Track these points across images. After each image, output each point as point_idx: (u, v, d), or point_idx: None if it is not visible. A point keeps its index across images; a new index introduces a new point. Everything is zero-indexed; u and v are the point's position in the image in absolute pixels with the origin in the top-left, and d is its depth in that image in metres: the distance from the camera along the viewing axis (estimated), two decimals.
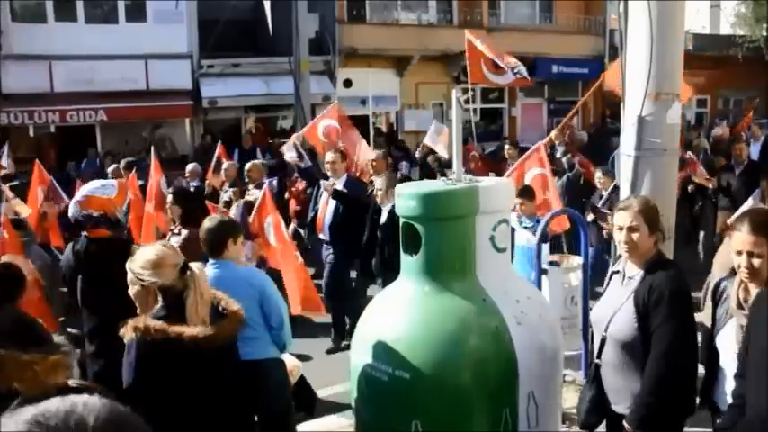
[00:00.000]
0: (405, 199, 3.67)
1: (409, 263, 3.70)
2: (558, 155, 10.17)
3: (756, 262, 2.99)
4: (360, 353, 3.72)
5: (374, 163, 8.44)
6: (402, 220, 3.75)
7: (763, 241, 2.95)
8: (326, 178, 7.58)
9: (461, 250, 3.57)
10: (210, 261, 4.23)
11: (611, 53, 21.09)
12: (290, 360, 4.55)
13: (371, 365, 3.56)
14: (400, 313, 3.59)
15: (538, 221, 6.37)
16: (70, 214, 4.76)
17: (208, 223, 4.27)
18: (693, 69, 20.96)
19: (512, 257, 5.23)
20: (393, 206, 5.66)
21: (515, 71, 9.65)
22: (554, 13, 21.97)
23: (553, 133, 9.03)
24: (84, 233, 4.65)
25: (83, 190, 4.71)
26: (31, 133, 16.40)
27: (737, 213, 3.09)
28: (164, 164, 15.22)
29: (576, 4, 21.94)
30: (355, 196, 7.32)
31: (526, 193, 6.89)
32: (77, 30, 16.27)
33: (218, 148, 11.04)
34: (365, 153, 9.16)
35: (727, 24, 26.93)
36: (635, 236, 3.42)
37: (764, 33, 24.23)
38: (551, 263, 5.68)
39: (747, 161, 9.64)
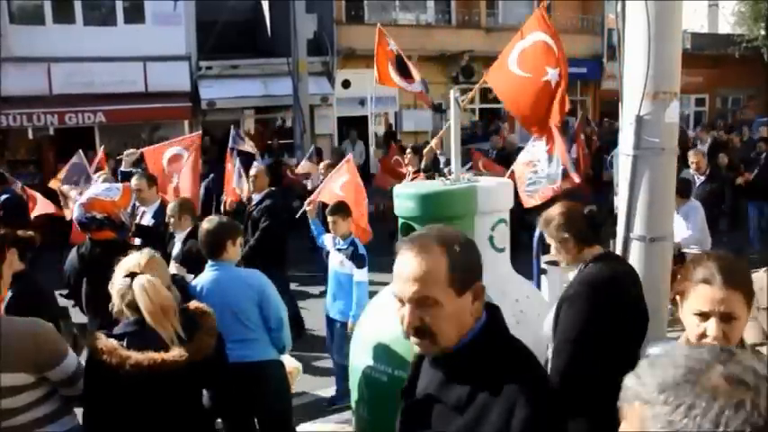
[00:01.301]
0: (403, 199, 3.68)
1: None
2: (443, 161, 9.62)
3: (729, 328, 2.16)
4: (359, 354, 3.72)
5: (255, 177, 7.82)
6: (401, 221, 3.76)
7: (740, 297, 2.14)
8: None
9: None
10: (209, 263, 4.23)
11: (608, 53, 21.12)
12: (289, 361, 4.54)
13: (371, 366, 3.57)
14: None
15: (353, 243, 5.85)
16: (75, 217, 4.79)
17: (207, 225, 4.26)
18: (692, 68, 21.03)
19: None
20: (189, 232, 5.62)
21: (423, 83, 9.52)
22: (552, 12, 21.95)
23: (433, 141, 8.35)
24: (89, 235, 4.66)
25: (87, 193, 4.73)
26: (30, 135, 16.38)
27: (692, 259, 2.35)
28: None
29: (573, 4, 21.95)
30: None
31: (339, 210, 5.93)
32: (76, 32, 16.26)
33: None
34: (184, 179, 8.33)
35: (726, 23, 26.97)
36: (555, 247, 3.29)
37: (763, 32, 24.25)
38: (550, 262, 5.68)
39: (709, 170, 9.17)
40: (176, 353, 2.69)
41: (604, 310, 2.96)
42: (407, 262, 1.81)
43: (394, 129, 20.31)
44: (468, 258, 1.88)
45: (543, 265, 5.41)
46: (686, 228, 7.10)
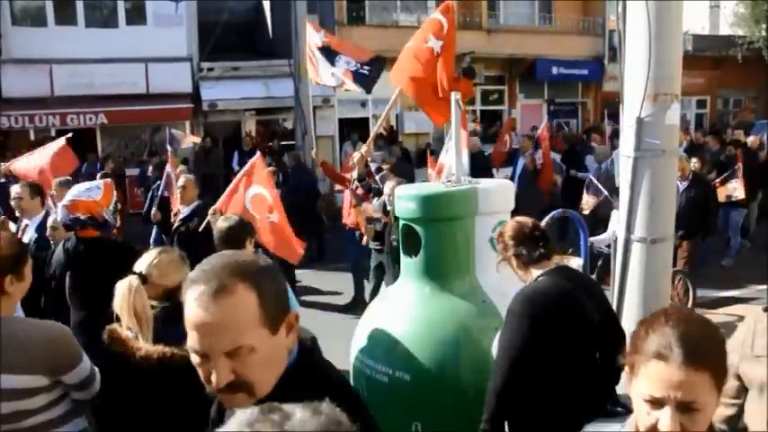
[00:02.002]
0: (404, 201, 3.68)
1: (409, 264, 3.72)
2: (373, 168, 8.89)
3: (690, 420, 1.55)
4: (360, 354, 3.73)
5: (182, 189, 7.06)
6: (401, 222, 3.77)
7: (706, 378, 1.55)
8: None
9: (461, 251, 3.59)
10: None
11: (610, 54, 21.12)
12: None
13: (372, 367, 3.57)
14: (400, 314, 3.60)
15: None
16: (59, 219, 4.85)
17: (226, 222, 4.31)
18: (693, 70, 21.03)
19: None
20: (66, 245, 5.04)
21: (364, 68, 8.91)
22: (553, 14, 21.99)
23: (363, 148, 7.86)
24: (74, 233, 4.74)
25: (69, 194, 4.78)
26: (32, 137, 16.39)
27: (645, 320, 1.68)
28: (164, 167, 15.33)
29: (574, 5, 21.96)
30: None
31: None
32: (77, 33, 16.28)
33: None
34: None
35: (727, 25, 26.95)
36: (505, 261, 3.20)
37: (764, 34, 24.24)
38: None
39: (692, 175, 8.29)
40: (180, 349, 2.73)
41: (542, 327, 2.86)
42: (207, 308, 1.45)
43: (395, 130, 20.31)
44: (276, 287, 1.57)
45: None
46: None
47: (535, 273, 3.03)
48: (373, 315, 3.87)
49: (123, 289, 2.80)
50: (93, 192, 4.71)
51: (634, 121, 4.80)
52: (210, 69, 17.71)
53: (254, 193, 6.05)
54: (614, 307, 5.36)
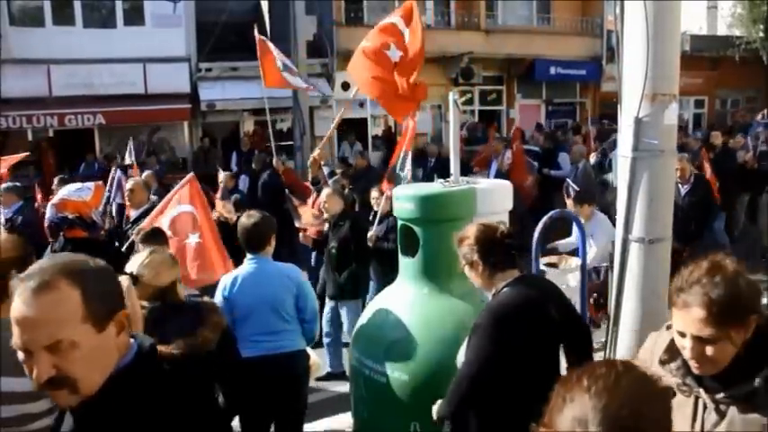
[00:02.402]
0: (402, 201, 3.68)
1: (407, 265, 3.72)
2: (326, 172, 8.38)
3: (710, 350, 1.87)
4: (358, 354, 3.73)
5: (131, 192, 6.34)
6: (400, 223, 3.77)
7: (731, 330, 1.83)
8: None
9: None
10: (249, 256, 4.31)
11: (608, 54, 21.12)
12: (312, 354, 4.60)
13: (370, 367, 3.57)
14: (399, 315, 3.60)
15: None
16: (47, 217, 4.88)
17: (250, 220, 4.34)
18: (691, 70, 21.04)
19: None
20: None
21: (304, 79, 9.66)
22: (551, 14, 22.00)
23: (316, 151, 7.65)
24: (62, 233, 4.74)
25: (59, 193, 4.80)
26: (30, 137, 16.38)
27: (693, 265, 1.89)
28: (165, 166, 15.32)
29: (573, 6, 21.97)
30: None
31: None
32: (76, 34, 16.26)
33: None
34: None
35: (724, 25, 26.98)
36: (465, 268, 3.13)
37: (761, 34, 24.26)
38: (549, 264, 5.70)
39: (693, 177, 8.03)
40: (173, 347, 2.74)
41: (509, 338, 2.83)
42: (28, 303, 1.49)
43: (393, 130, 20.31)
44: (105, 286, 1.61)
45: (542, 267, 5.42)
46: (592, 244, 6.61)
47: (500, 283, 2.97)
48: (371, 315, 3.87)
49: None
50: (84, 192, 4.73)
51: (632, 121, 4.80)
52: (209, 70, 17.70)
53: (181, 211, 5.80)
54: (612, 308, 5.37)
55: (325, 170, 7.16)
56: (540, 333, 2.90)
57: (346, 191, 8.00)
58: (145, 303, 2.88)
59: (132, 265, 2.95)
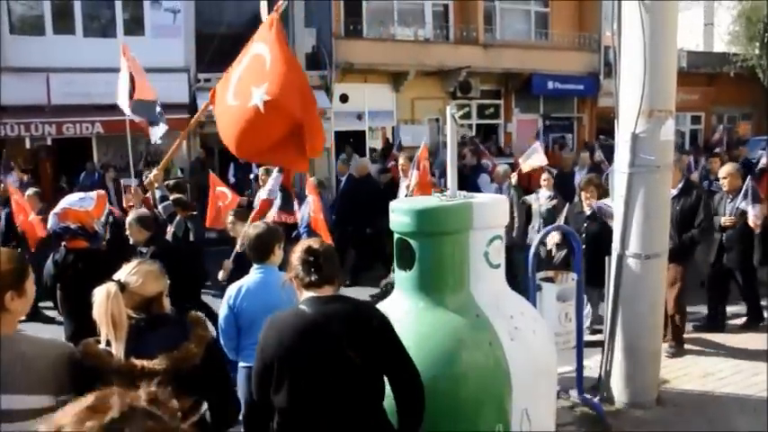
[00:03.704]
0: (398, 214, 3.67)
1: (403, 278, 3.70)
2: (158, 195, 7.20)
3: None
4: None
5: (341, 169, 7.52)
6: (396, 236, 3.76)
7: None
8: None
9: (456, 266, 3.57)
10: (255, 266, 4.30)
11: (605, 69, 21.22)
12: None
13: None
14: (396, 329, 3.58)
15: None
16: (49, 226, 4.86)
17: (255, 230, 4.35)
18: (688, 86, 21.11)
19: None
20: None
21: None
22: (549, 29, 22.13)
23: (153, 172, 6.99)
24: (64, 244, 4.72)
25: (62, 203, 4.78)
26: (28, 145, 16.35)
27: None
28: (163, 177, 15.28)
29: (570, 21, 22.10)
30: None
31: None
32: (75, 43, 16.29)
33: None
34: None
35: (721, 42, 27.13)
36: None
37: (757, 52, 24.40)
38: (545, 279, 5.67)
39: (683, 182, 7.08)
40: (156, 361, 2.71)
41: (262, 350, 2.99)
42: None
43: (391, 143, 20.34)
44: None
45: (538, 282, 5.40)
46: None
47: (305, 296, 3.05)
48: None
49: (101, 295, 2.77)
50: (86, 202, 4.72)
51: (629, 136, 4.81)
52: (207, 80, 17.69)
53: None
54: (608, 323, 5.36)
55: (158, 193, 6.59)
56: (283, 354, 2.91)
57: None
58: (131, 313, 2.86)
59: (120, 273, 2.93)
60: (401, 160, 11.07)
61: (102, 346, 2.76)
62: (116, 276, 2.90)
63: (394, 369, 2.94)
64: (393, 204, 3.82)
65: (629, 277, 5.17)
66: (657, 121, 4.75)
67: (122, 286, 2.83)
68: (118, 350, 2.71)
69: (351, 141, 19.34)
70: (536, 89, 21.44)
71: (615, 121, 5.04)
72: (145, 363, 2.68)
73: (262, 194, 6.49)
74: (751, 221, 7.12)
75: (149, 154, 17.79)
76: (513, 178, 9.74)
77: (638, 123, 4.76)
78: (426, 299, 3.57)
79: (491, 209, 3.71)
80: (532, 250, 5.32)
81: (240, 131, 4.84)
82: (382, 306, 3.95)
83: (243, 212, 6.62)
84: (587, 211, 7.13)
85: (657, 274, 5.18)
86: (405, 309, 3.63)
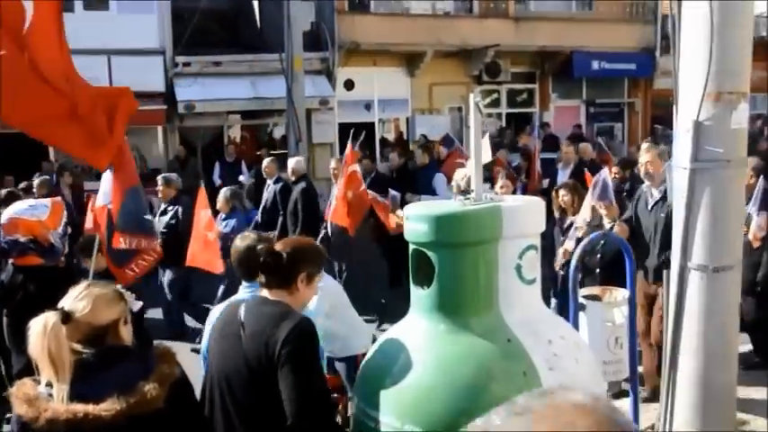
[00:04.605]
0: (414, 222, 3.65)
1: (420, 297, 3.69)
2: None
3: None
4: (362, 403, 3.69)
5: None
6: (411, 247, 3.74)
7: None
8: None
9: (482, 282, 3.56)
10: (245, 284, 4.34)
11: (663, 45, 21.08)
12: None
13: (375, 418, 3.53)
14: (410, 356, 3.57)
15: None
16: None
17: (244, 241, 4.38)
18: (765, 62, 20.83)
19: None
20: None
21: None
22: None
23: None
24: (11, 261, 4.67)
25: (7, 212, 4.72)
26: None
27: None
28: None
29: None
30: None
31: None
32: None
33: None
34: None
35: None
36: None
37: None
38: (590, 296, 5.65)
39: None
40: (106, 405, 2.67)
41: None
42: None
43: (406, 137, 20.36)
44: None
45: (581, 300, 5.37)
46: None
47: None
48: (376, 356, 3.84)
49: (37, 329, 2.73)
50: (39, 210, 4.67)
51: (691, 125, 4.76)
52: (187, 64, 17.81)
53: None
54: (668, 350, 5.30)
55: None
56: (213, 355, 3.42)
57: None
58: (78, 347, 2.81)
59: (66, 299, 2.88)
60: (332, 164, 11.22)
61: (42, 387, 2.72)
62: (61, 303, 2.85)
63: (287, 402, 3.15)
64: (407, 210, 3.81)
65: (693, 294, 5.11)
66: (727, 105, 4.69)
67: (66, 315, 2.78)
68: (59, 393, 2.68)
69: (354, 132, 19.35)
70: (578, 70, 21.38)
71: (674, 107, 5.00)
72: (90, 408, 2.63)
73: (99, 200, 6.15)
74: (751, 233, 7.03)
75: None
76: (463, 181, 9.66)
77: (702, 108, 4.71)
78: (447, 321, 3.56)
79: (524, 213, 3.69)
80: (574, 262, 5.28)
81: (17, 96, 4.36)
82: (396, 329, 3.93)
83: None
84: (606, 225, 7.04)
85: (729, 289, 5.11)
86: (422, 333, 3.61)
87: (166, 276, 9.43)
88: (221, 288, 9.32)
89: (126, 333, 2.99)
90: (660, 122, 21.04)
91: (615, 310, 5.57)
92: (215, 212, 9.50)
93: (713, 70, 4.66)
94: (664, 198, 6.66)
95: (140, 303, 4.49)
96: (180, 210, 9.45)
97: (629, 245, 5.73)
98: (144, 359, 2.92)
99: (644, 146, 8.37)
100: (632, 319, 5.35)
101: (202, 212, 8.66)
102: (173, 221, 9.39)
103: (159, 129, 18.28)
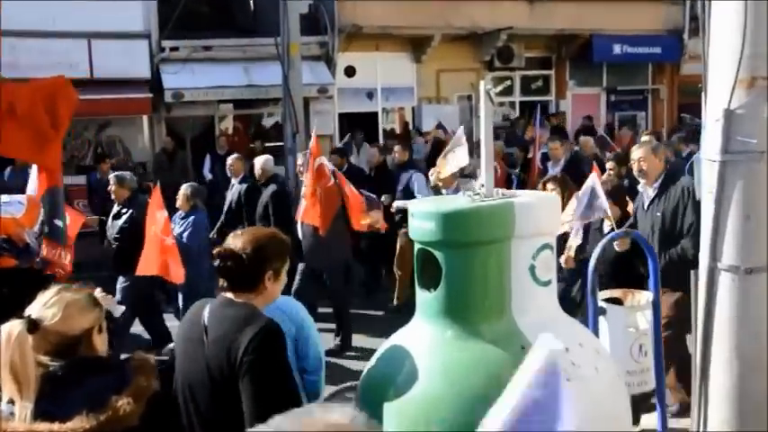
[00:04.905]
0: (419, 219, 3.65)
1: (426, 301, 3.68)
2: None
3: None
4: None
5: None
6: (417, 247, 3.74)
7: None
8: None
9: (493, 284, 3.56)
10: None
11: (691, 26, 21.01)
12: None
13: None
14: (415, 365, 3.57)
15: None
16: None
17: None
18: None
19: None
20: None
21: None
22: None
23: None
24: None
25: None
26: None
27: None
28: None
29: None
30: None
31: None
32: None
33: None
34: None
35: None
36: None
37: None
38: (611, 299, 5.63)
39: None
40: (73, 424, 2.62)
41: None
42: None
43: (411, 128, 20.36)
44: None
45: (601, 303, 5.36)
46: None
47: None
48: (378, 365, 3.83)
49: (1, 339, 2.68)
50: (13, 207, 4.68)
51: (721, 113, 4.75)
52: (174, 49, 17.81)
53: None
54: (699, 357, 5.28)
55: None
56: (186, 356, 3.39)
57: None
58: (45, 359, 2.76)
59: (33, 306, 2.83)
60: (299, 159, 10.89)
61: (4, 405, 2.68)
62: (28, 310, 2.81)
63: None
64: (412, 206, 3.81)
65: (723, 298, 5.10)
66: (761, 92, 4.68)
67: (34, 324, 2.73)
68: (21, 412, 2.64)
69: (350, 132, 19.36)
70: (598, 55, 21.34)
71: (703, 94, 4.98)
72: (55, 427, 2.59)
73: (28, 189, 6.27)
74: None
75: (100, 144, 17.88)
76: (432, 177, 9.58)
77: (733, 96, 4.69)
78: (456, 327, 3.55)
79: (538, 210, 3.69)
80: (592, 262, 5.27)
81: None
82: (399, 335, 3.93)
83: None
84: (606, 229, 7.03)
85: (763, 292, 5.10)
86: (428, 340, 3.61)
87: (120, 285, 9.08)
88: (180, 298, 9.37)
89: (100, 343, 2.95)
90: (688, 111, 21.05)
91: (638, 315, 5.56)
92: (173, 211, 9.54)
93: (746, 54, 4.64)
94: (659, 195, 6.68)
95: (122, 308, 4.48)
96: (133, 213, 9.19)
97: (652, 248, 5.72)
98: (119, 371, 2.87)
99: (644, 137, 8.36)
100: (657, 324, 5.34)
101: (158, 214, 8.47)
102: (126, 225, 9.15)
103: (144, 119, 18.27)
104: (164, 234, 8.22)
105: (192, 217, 9.64)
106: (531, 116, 20.76)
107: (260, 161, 10.98)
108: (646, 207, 7.02)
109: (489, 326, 3.53)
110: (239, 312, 3.28)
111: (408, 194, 10.78)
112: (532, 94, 22.22)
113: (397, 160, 12.06)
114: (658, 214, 6.54)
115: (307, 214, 9.26)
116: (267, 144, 17.80)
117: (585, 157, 12.35)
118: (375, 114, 20.36)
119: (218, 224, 10.93)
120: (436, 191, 9.46)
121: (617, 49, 21.36)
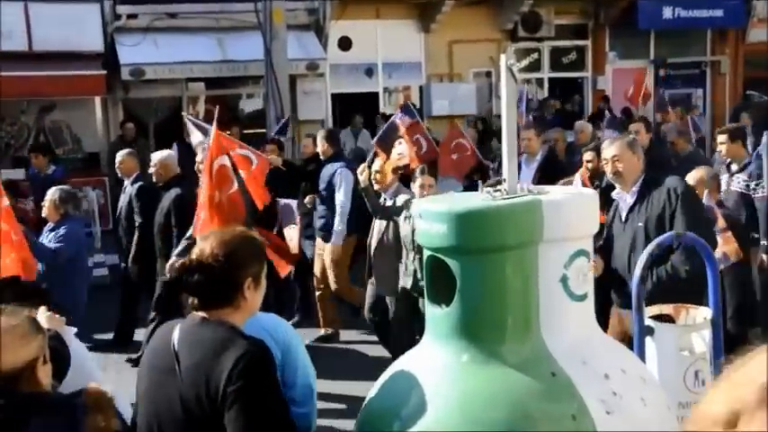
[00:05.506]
0: (430, 221, 3.67)
1: (437, 318, 3.70)
2: None
3: None
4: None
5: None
6: (427, 253, 3.76)
7: None
8: None
9: (517, 298, 3.58)
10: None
11: None
12: None
13: None
14: (424, 395, 3.59)
15: None
16: None
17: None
18: None
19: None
20: None
21: None
22: None
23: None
24: None
25: None
26: None
27: None
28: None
29: None
30: None
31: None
32: None
33: None
34: None
35: None
36: None
37: None
38: (661, 317, 5.65)
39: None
40: None
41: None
42: None
43: (418, 110, 20.33)
44: None
45: (648, 322, 5.38)
46: None
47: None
48: (384, 391, 3.86)
49: None
50: None
51: None
52: (132, 17, 17.79)
53: None
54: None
55: None
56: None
57: None
58: None
59: None
60: (198, 156, 9.97)
61: None
62: None
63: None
64: (421, 207, 3.83)
65: None
66: None
67: None
68: None
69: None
70: (644, 21, 21.28)
71: None
72: None
73: None
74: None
75: (43, 131, 17.77)
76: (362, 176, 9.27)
77: None
78: (472, 350, 3.57)
79: (571, 210, 3.70)
80: (637, 272, 5.29)
81: None
82: (408, 358, 3.96)
83: None
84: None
85: None
86: (440, 364, 3.63)
87: None
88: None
89: (44, 376, 2.96)
90: (754, 87, 20.99)
91: (694, 335, 5.56)
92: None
93: None
94: (639, 202, 6.46)
95: (74, 329, 4.52)
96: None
97: (709, 248, 5.72)
98: (69, 410, 2.89)
99: (633, 127, 8.18)
100: (718, 346, 5.34)
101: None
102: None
103: (97, 101, 18.19)
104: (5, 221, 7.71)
105: (64, 227, 9.25)
106: (564, 96, 20.83)
107: (157, 156, 10.39)
108: (624, 218, 6.71)
109: (513, 348, 3.54)
110: (216, 333, 3.25)
111: (332, 195, 10.37)
112: (564, 70, 22.16)
113: (322, 153, 11.00)
114: (640, 224, 6.32)
115: (205, 228, 7.96)
116: (246, 131, 17.73)
117: (580, 146, 11.86)
118: (375, 95, 20.32)
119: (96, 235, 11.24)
120: (367, 192, 8.95)
121: (668, 12, 21.22)
